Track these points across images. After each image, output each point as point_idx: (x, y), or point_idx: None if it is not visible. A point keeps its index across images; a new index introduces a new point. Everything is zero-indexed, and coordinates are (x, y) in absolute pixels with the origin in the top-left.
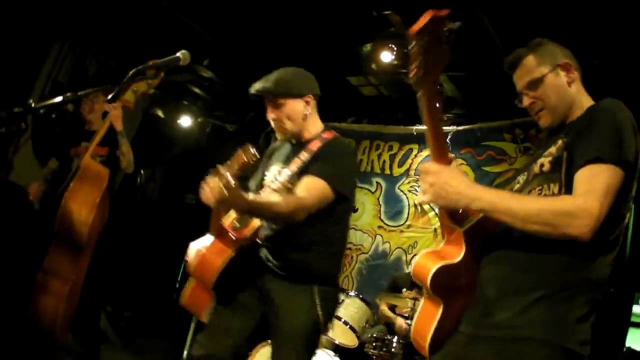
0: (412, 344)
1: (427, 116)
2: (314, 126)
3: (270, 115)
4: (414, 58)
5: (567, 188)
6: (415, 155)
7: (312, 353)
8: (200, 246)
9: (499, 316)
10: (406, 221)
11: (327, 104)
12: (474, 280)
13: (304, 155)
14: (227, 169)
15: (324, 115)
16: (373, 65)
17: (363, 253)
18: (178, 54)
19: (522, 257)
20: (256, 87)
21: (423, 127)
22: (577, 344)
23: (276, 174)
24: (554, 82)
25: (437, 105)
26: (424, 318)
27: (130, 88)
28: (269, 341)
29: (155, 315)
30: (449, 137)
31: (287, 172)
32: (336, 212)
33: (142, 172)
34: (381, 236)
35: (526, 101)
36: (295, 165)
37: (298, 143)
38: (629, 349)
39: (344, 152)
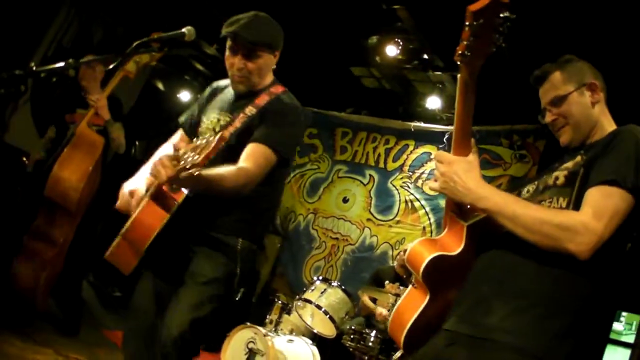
0: (389, 336)
1: (459, 98)
2: (267, 78)
3: (238, 64)
4: (465, 36)
5: (576, 204)
6: (411, 152)
7: (215, 306)
8: (133, 187)
9: (484, 317)
10: (396, 216)
11: (328, 92)
12: (465, 277)
13: (250, 110)
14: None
15: (323, 103)
16: (377, 58)
17: (350, 244)
18: (183, 30)
19: (520, 263)
20: (236, 30)
21: (421, 124)
22: None
23: (216, 122)
24: (578, 101)
25: (473, 91)
26: (406, 306)
27: (133, 58)
28: (248, 323)
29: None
30: (446, 136)
31: (227, 129)
32: (274, 176)
33: (137, 143)
34: (369, 229)
35: (549, 117)
36: (240, 121)
37: (239, 95)
38: None
39: (291, 113)
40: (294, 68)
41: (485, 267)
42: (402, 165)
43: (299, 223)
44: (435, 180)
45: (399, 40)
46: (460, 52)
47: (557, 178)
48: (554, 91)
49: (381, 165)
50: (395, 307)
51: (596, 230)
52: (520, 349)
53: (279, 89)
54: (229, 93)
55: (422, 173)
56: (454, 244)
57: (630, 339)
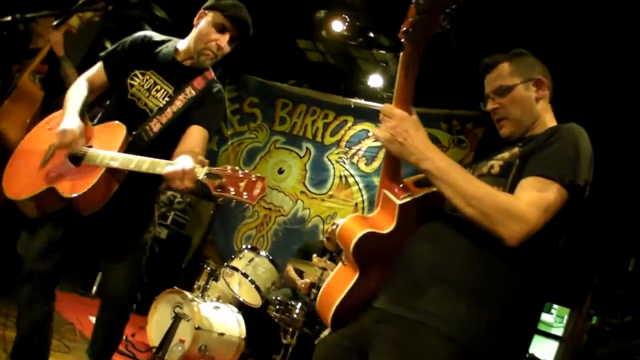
0: (316, 310)
1: (400, 73)
2: None
3: (222, 43)
4: (411, 13)
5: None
6: (349, 128)
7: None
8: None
9: (416, 299)
10: (329, 191)
11: (272, 62)
12: (396, 256)
13: (189, 92)
14: None
15: (267, 73)
16: (323, 32)
17: (282, 215)
18: None
19: (456, 249)
20: (245, 16)
21: (361, 102)
22: (486, 351)
23: (152, 85)
24: (523, 94)
25: (415, 69)
26: (335, 284)
27: (76, 13)
28: (175, 288)
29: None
30: None
31: (173, 105)
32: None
33: None
34: (302, 202)
35: (490, 105)
36: (181, 101)
37: (182, 66)
38: (532, 355)
39: (222, 99)
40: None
41: (420, 249)
42: (340, 140)
43: None
44: (382, 133)
45: (346, 17)
46: (404, 28)
47: (492, 167)
48: (500, 80)
49: (318, 139)
50: (324, 284)
51: (530, 219)
52: (448, 336)
53: (211, 75)
54: (167, 55)
55: (359, 150)
56: (385, 223)
57: (560, 331)
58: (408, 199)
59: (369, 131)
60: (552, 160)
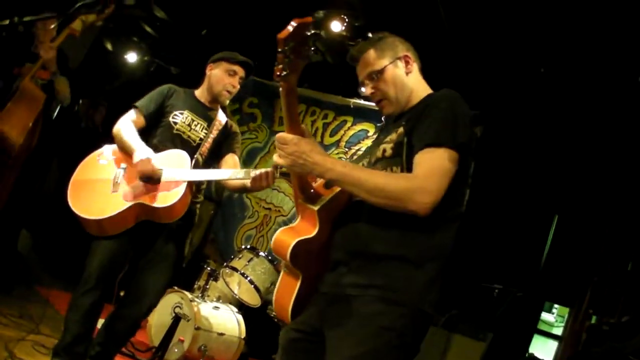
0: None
1: (285, 103)
2: None
3: (236, 85)
4: (280, 59)
5: (408, 170)
6: (349, 128)
7: None
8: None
9: (352, 277)
10: None
11: (271, 63)
12: (328, 250)
13: (217, 125)
14: None
15: (267, 73)
16: (322, 32)
17: (282, 215)
18: None
19: (372, 224)
20: (250, 62)
21: (361, 102)
22: (428, 305)
23: (190, 122)
24: (393, 73)
25: (295, 96)
26: (284, 290)
27: (79, 17)
28: (175, 287)
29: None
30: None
31: (209, 139)
32: None
33: (80, 101)
34: None
35: (367, 90)
36: (214, 132)
37: (206, 106)
38: (531, 355)
39: (237, 130)
40: (239, 35)
41: (339, 234)
42: (339, 140)
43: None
44: (283, 159)
45: (345, 17)
46: (278, 73)
47: (384, 150)
48: (370, 67)
49: (318, 139)
50: (275, 291)
51: (431, 189)
52: (395, 300)
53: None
54: (193, 98)
55: (359, 150)
56: (309, 228)
57: (561, 331)
58: (322, 203)
59: (368, 131)
60: (432, 128)
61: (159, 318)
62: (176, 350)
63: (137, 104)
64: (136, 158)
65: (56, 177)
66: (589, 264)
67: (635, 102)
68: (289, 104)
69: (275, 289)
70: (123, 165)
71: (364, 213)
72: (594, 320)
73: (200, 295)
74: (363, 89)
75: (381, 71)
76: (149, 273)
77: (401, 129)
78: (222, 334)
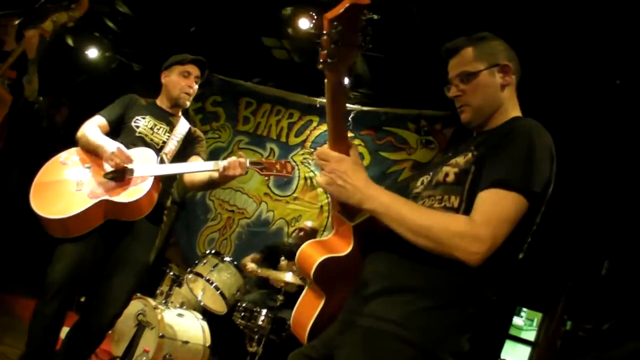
0: (293, 332)
1: (330, 103)
2: None
3: (193, 85)
4: (326, 44)
5: (468, 204)
6: (314, 128)
7: None
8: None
9: (372, 307)
10: (294, 192)
11: (236, 60)
12: (357, 275)
13: (180, 131)
14: None
15: (231, 71)
16: (290, 30)
17: (245, 218)
18: None
19: (407, 253)
20: (202, 60)
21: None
22: (447, 354)
23: (153, 126)
24: (487, 81)
25: (344, 93)
26: (304, 308)
27: (50, 17)
28: (138, 294)
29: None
30: (352, 115)
31: (172, 142)
32: None
33: (41, 98)
34: (266, 204)
35: (453, 92)
36: (175, 143)
37: (167, 112)
38: None
39: (200, 134)
40: (204, 32)
41: (374, 261)
42: (305, 141)
43: (196, 194)
44: (322, 178)
45: (314, 14)
46: (322, 60)
47: (447, 174)
48: (463, 66)
49: (283, 139)
50: (295, 306)
51: (485, 239)
52: (410, 341)
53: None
54: (154, 106)
55: None
56: (342, 245)
57: (531, 335)
58: (361, 219)
59: None
60: (505, 167)
61: (121, 326)
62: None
63: (100, 112)
64: (107, 151)
65: (17, 180)
66: (563, 267)
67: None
68: (336, 104)
69: (297, 304)
70: (87, 165)
71: (402, 242)
72: (569, 326)
73: (163, 301)
74: (447, 89)
75: (474, 75)
76: (114, 279)
77: (470, 155)
78: (186, 342)
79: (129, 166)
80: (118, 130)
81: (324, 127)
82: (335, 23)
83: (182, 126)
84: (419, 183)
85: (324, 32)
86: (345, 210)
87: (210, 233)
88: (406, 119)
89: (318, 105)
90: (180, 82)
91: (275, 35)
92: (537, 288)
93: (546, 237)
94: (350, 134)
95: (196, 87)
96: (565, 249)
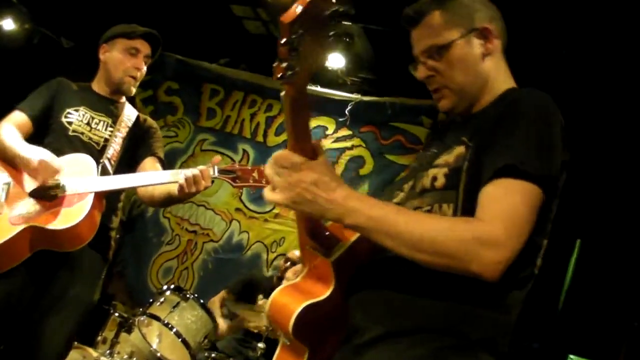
0: None
1: (291, 119)
2: None
3: (140, 65)
4: (284, 54)
5: (465, 212)
6: None
7: None
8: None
9: (370, 355)
10: (273, 208)
11: (198, 35)
12: (345, 315)
13: (126, 122)
14: None
15: (190, 50)
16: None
17: (212, 241)
18: None
19: (406, 285)
20: (152, 32)
21: (317, 89)
22: None
23: (90, 119)
24: (464, 52)
25: (307, 103)
26: None
27: None
28: (75, 342)
29: None
30: (349, 107)
31: (117, 139)
32: None
33: None
34: (239, 222)
35: (422, 72)
36: (122, 131)
37: (108, 99)
38: None
39: (154, 126)
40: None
41: (365, 306)
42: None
43: (147, 209)
44: (277, 191)
45: None
46: (281, 74)
47: (435, 178)
48: (431, 38)
49: (259, 138)
50: None
51: (504, 241)
52: None
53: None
54: (89, 92)
55: None
56: (320, 286)
57: None
58: (341, 251)
59: (327, 128)
60: (512, 151)
61: None
62: None
63: (20, 105)
64: (29, 164)
65: None
66: (624, 304)
67: None
68: (296, 117)
69: None
70: (6, 179)
71: (396, 267)
72: None
73: (107, 351)
74: (414, 68)
75: (446, 47)
76: (48, 323)
77: (462, 148)
78: None
79: (60, 181)
80: (45, 127)
81: (312, 123)
82: (294, 26)
83: (128, 115)
84: (399, 192)
85: (282, 40)
86: (318, 242)
87: (166, 261)
88: (419, 111)
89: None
90: (125, 61)
91: (248, 3)
92: (591, 331)
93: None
94: (347, 132)
95: (145, 69)
96: (629, 282)
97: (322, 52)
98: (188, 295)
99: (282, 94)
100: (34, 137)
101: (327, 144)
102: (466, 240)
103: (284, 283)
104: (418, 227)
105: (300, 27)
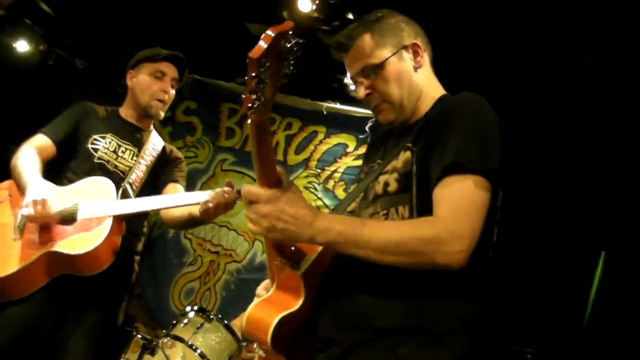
0: None
1: (257, 148)
2: None
3: (167, 88)
4: (252, 87)
5: (421, 210)
6: (321, 142)
7: None
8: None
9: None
10: None
11: (215, 54)
12: (313, 322)
13: (151, 151)
14: None
15: (208, 69)
16: (285, 13)
17: (235, 261)
18: None
19: (371, 288)
20: (178, 55)
21: (336, 106)
22: None
23: (116, 147)
24: (397, 68)
25: (269, 131)
26: None
27: None
28: None
29: None
30: (369, 123)
31: (140, 166)
32: None
33: None
34: (262, 243)
35: (361, 91)
36: (147, 160)
37: (135, 126)
38: None
39: (179, 156)
40: (174, 20)
41: (330, 308)
42: (308, 159)
43: (167, 229)
44: (255, 224)
45: None
46: (250, 105)
47: (387, 184)
48: (365, 59)
49: (280, 157)
50: None
51: (464, 232)
52: None
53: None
54: (117, 118)
55: (335, 172)
56: (291, 298)
57: None
58: (308, 264)
59: (347, 146)
60: (455, 150)
61: None
62: None
63: (44, 128)
64: (26, 199)
65: None
66: None
67: None
68: (261, 142)
69: None
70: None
71: (358, 273)
72: None
73: None
74: (354, 89)
75: (380, 66)
76: (70, 348)
77: (408, 154)
78: None
79: (78, 203)
80: (70, 153)
81: (333, 141)
82: (262, 61)
83: (154, 144)
84: (350, 202)
85: (251, 74)
86: (286, 257)
87: (188, 282)
88: None
89: (324, 112)
90: (152, 85)
91: (265, 21)
92: (617, 344)
93: (628, 281)
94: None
95: (173, 92)
96: None
97: (282, 80)
98: (212, 316)
99: (249, 121)
100: (58, 162)
101: (348, 161)
102: (428, 237)
103: (255, 299)
104: (383, 234)
105: (267, 61)
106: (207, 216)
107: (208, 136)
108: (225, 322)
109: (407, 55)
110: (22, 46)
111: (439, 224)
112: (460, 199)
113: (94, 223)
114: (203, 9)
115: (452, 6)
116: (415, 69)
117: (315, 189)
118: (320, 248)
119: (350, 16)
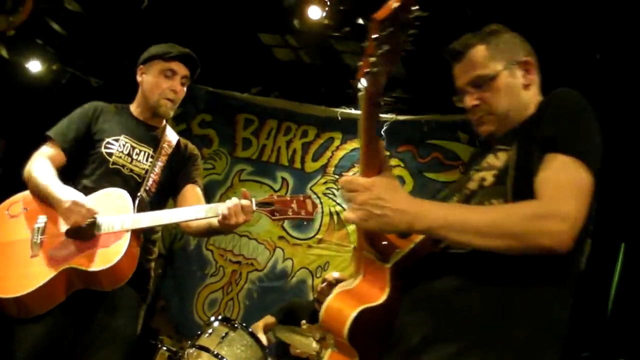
0: None
1: (365, 117)
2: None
3: (177, 87)
4: (371, 50)
5: (517, 199)
6: (337, 148)
7: None
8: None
9: None
10: (317, 234)
11: (228, 66)
12: (392, 325)
13: (166, 149)
14: None
15: (222, 80)
16: (296, 22)
17: (256, 270)
18: None
19: (464, 285)
20: (188, 53)
21: (351, 111)
22: None
23: (131, 149)
24: (508, 82)
25: (380, 104)
26: None
27: None
28: None
29: None
30: (385, 127)
31: (158, 164)
32: None
33: None
34: (282, 250)
35: (469, 101)
36: (162, 159)
37: (147, 125)
38: None
39: (194, 152)
40: (186, 32)
41: (418, 310)
42: (326, 165)
43: (188, 241)
44: (353, 213)
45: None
46: (367, 69)
47: (483, 179)
48: (477, 69)
49: (297, 165)
50: None
51: (568, 211)
52: None
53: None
54: (129, 117)
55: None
56: (375, 291)
57: None
58: (398, 258)
59: None
60: (559, 130)
61: None
62: None
63: (51, 132)
64: (61, 206)
65: None
66: None
67: None
68: (371, 117)
69: None
70: (42, 218)
71: (451, 270)
72: None
73: None
74: (462, 99)
75: (492, 77)
76: (95, 356)
77: (505, 153)
78: None
79: (97, 219)
80: (81, 158)
81: (349, 147)
82: (386, 24)
83: (169, 140)
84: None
85: (373, 36)
86: (376, 248)
87: (211, 293)
88: (455, 127)
89: (339, 118)
90: (161, 83)
91: (276, 30)
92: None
93: None
94: (384, 156)
95: (183, 90)
96: None
97: (400, 53)
98: (236, 325)
99: (360, 93)
100: (70, 168)
101: None
102: (532, 216)
103: (336, 289)
104: (483, 217)
105: (390, 26)
106: (226, 228)
107: (225, 147)
108: (250, 330)
109: (519, 72)
110: (34, 66)
111: (540, 203)
112: (566, 181)
113: (112, 238)
114: (215, 21)
115: (462, 3)
116: (525, 86)
117: (334, 195)
118: (414, 242)
119: (361, 21)
